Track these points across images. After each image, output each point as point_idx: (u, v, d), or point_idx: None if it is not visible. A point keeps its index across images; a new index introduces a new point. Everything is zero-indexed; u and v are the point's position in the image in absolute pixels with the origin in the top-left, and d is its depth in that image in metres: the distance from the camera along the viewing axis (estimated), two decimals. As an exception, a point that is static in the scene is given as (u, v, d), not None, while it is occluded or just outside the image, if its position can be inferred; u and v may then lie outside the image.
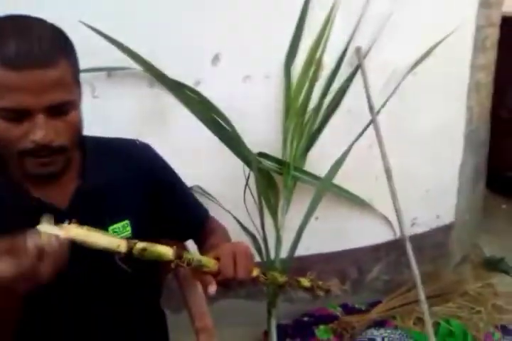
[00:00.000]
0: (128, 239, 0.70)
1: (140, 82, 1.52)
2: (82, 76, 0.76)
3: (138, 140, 0.91)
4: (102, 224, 0.80)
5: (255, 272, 0.80)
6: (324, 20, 1.63)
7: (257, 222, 1.55)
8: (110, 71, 1.46)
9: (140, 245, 0.69)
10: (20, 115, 0.66)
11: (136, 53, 1.45)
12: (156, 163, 0.92)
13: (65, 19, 0.78)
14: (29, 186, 0.77)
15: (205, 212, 1.02)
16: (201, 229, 0.99)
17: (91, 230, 0.67)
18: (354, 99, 1.75)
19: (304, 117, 1.67)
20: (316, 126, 1.71)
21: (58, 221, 0.76)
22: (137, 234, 0.84)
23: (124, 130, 0.96)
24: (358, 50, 1.75)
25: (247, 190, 1.55)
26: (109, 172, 0.82)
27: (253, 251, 1.55)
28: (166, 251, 0.71)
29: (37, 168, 0.72)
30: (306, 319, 1.75)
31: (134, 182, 0.86)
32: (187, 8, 1.53)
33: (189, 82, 1.55)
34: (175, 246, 0.73)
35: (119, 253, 0.68)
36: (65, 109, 0.70)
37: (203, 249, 0.93)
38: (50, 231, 0.64)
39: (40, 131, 0.67)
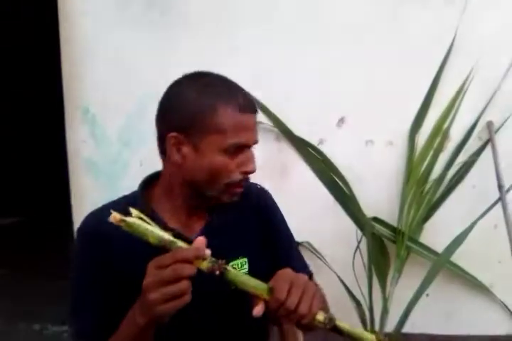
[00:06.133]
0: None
1: (268, 136, 1.60)
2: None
3: (257, 184, 0.98)
4: (223, 259, 0.82)
5: (321, 316, 0.66)
6: (456, 91, 1.62)
7: (364, 288, 1.48)
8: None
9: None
10: (240, 150, 0.78)
11: (269, 109, 1.55)
12: (271, 206, 0.96)
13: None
14: (168, 218, 0.84)
15: (308, 269, 0.99)
16: None
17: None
18: (481, 174, 1.67)
19: (425, 187, 1.61)
20: (436, 197, 1.65)
21: None
22: (253, 271, 0.85)
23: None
24: (489, 124, 1.69)
25: (357, 254, 1.51)
26: (231, 211, 0.88)
27: (357, 319, 1.49)
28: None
29: (232, 197, 0.81)
30: None
31: (252, 222, 0.91)
32: (318, 72, 1.63)
33: (313, 141, 1.61)
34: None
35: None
36: None
37: None
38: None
39: (253, 164, 0.80)
